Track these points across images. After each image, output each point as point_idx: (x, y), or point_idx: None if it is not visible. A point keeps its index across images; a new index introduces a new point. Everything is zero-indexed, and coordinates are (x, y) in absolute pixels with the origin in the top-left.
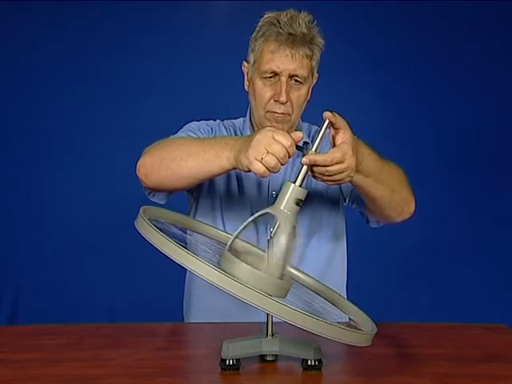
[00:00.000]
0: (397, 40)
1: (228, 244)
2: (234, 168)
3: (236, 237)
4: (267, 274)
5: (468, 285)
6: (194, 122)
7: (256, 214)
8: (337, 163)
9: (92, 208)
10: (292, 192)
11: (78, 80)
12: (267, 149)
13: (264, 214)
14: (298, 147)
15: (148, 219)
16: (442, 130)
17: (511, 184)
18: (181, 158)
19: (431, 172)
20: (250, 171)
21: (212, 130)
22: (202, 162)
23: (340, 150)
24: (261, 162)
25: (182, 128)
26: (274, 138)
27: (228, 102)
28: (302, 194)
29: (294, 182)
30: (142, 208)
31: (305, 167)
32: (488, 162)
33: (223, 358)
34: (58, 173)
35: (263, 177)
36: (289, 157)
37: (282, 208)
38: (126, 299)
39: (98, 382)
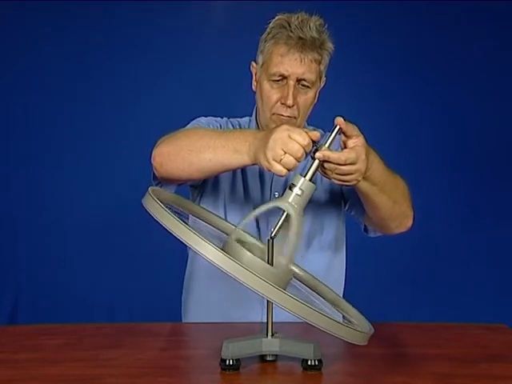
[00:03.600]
0: (397, 40)
1: (239, 230)
2: (254, 164)
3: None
4: (268, 264)
5: (468, 285)
6: (203, 118)
7: (266, 206)
8: (349, 164)
9: (92, 208)
10: (301, 186)
11: (78, 80)
12: (284, 149)
13: (272, 207)
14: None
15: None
16: (441, 130)
17: (511, 184)
18: (199, 150)
19: (431, 172)
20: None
21: (221, 126)
22: (221, 156)
23: (354, 152)
24: (280, 163)
25: (191, 122)
26: (290, 137)
27: (229, 102)
28: (311, 188)
29: (305, 176)
30: (150, 188)
31: (316, 162)
32: (488, 162)
33: (223, 357)
34: (58, 172)
35: (282, 176)
36: (306, 155)
37: (290, 201)
38: (125, 299)
39: (98, 381)
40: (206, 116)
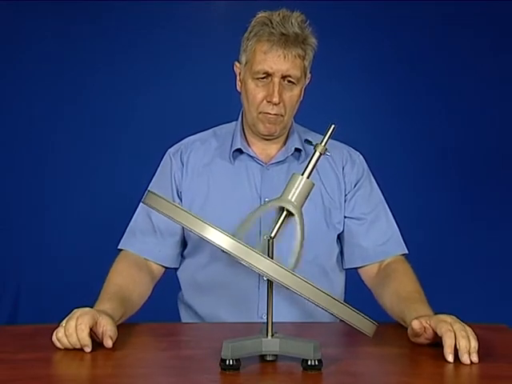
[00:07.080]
0: (396, 40)
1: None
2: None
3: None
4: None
5: (468, 285)
6: (168, 158)
7: (266, 206)
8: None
9: (92, 208)
10: (300, 184)
11: (78, 80)
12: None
13: (273, 207)
14: (307, 142)
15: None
16: (442, 130)
17: (510, 185)
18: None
19: (431, 173)
20: None
21: (182, 160)
22: None
23: (447, 331)
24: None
25: (157, 170)
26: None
27: (229, 103)
28: (309, 186)
29: (302, 174)
30: (149, 191)
31: (314, 160)
32: (488, 163)
33: (223, 358)
34: (58, 172)
35: None
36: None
37: (289, 198)
38: None
39: (98, 381)
40: (193, 134)
